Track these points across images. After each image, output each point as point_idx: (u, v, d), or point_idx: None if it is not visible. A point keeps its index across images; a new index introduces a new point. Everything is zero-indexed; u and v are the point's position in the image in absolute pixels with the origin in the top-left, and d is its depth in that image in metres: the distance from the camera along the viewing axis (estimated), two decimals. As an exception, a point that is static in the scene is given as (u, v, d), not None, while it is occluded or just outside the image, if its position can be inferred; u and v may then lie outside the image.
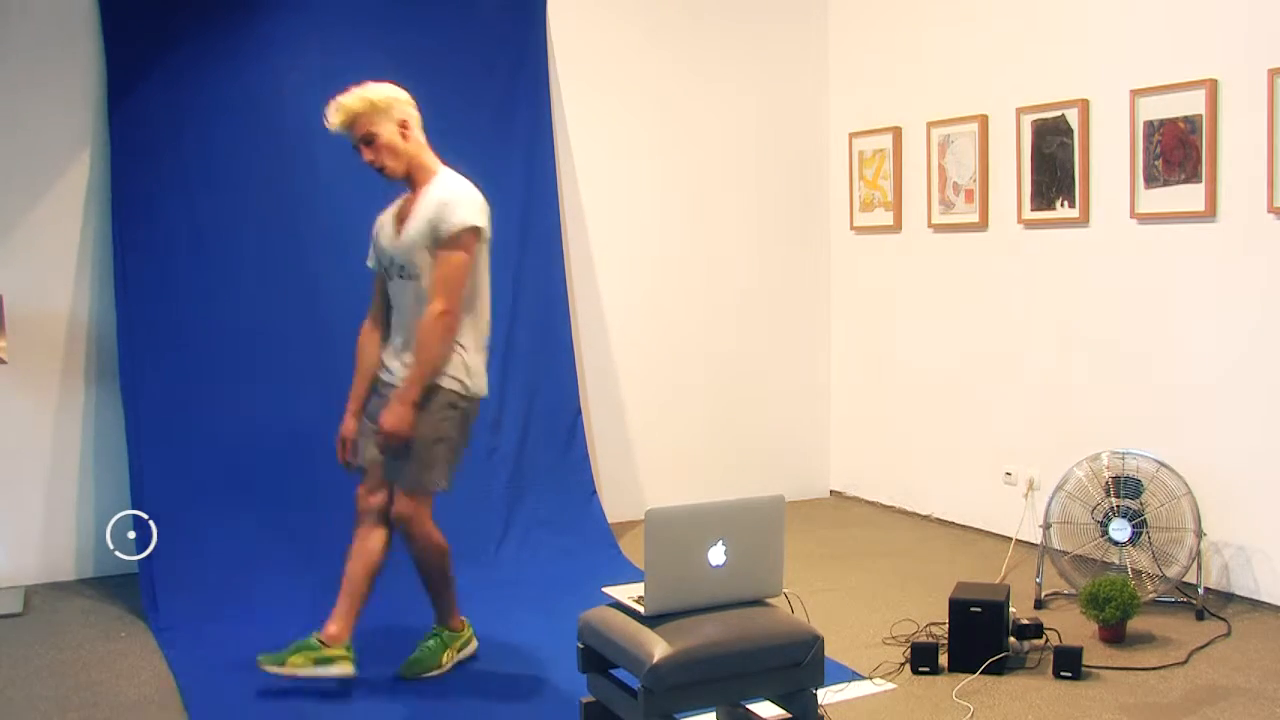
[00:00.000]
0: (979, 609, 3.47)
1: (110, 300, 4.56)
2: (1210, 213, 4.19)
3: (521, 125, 5.13)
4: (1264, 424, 4.08)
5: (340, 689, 3.41)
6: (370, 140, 3.40)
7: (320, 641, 3.39)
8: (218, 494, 4.41)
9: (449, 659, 3.59)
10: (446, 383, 3.40)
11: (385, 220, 3.56)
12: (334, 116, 3.40)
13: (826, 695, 3.26)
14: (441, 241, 3.34)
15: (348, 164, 4.78)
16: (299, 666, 3.35)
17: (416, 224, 3.39)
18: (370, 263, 3.63)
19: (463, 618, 3.69)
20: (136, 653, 3.79)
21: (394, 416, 3.33)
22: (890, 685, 3.42)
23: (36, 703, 3.36)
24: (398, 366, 3.48)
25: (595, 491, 5.13)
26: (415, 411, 3.35)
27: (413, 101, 3.51)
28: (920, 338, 5.52)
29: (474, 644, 3.72)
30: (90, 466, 4.63)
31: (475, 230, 3.37)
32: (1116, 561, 4.11)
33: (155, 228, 4.49)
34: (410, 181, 3.50)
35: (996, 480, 5.13)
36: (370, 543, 3.49)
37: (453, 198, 3.38)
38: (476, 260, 3.41)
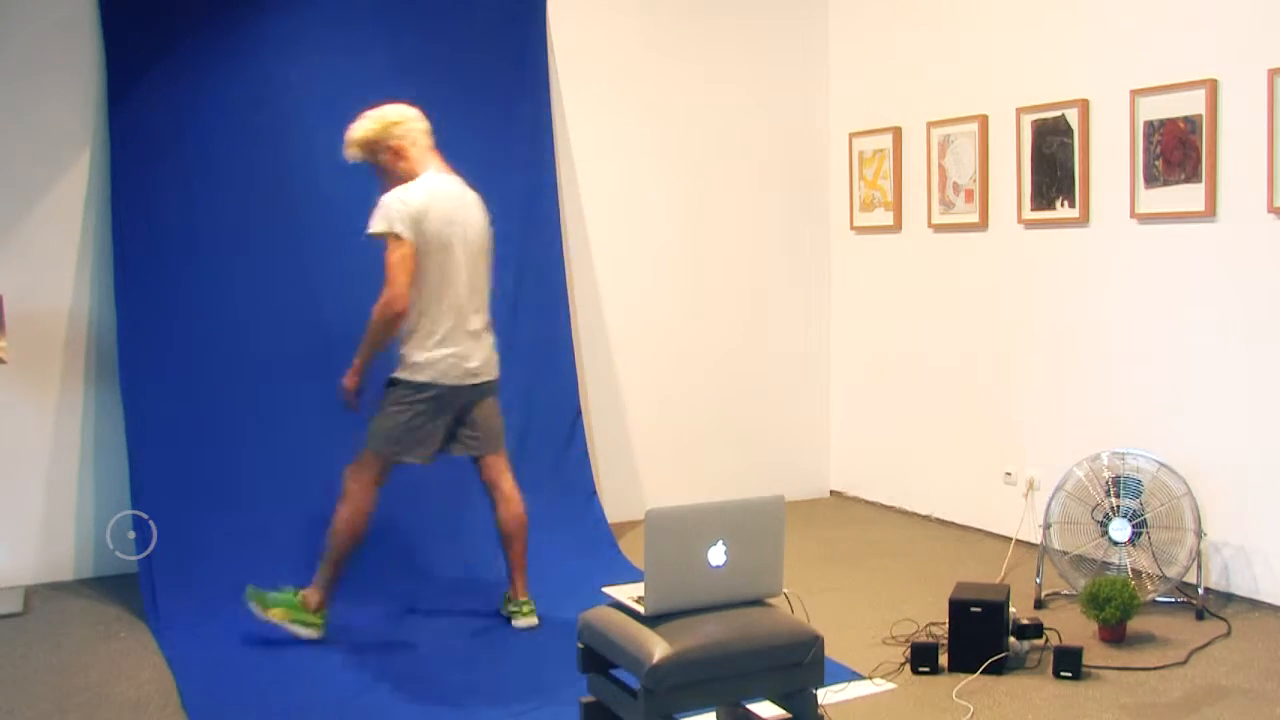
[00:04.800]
0: (979, 609, 3.47)
1: (110, 300, 4.55)
2: (1210, 213, 4.19)
3: (521, 125, 5.13)
4: (1264, 424, 4.08)
5: (341, 688, 3.42)
6: (375, 169, 3.91)
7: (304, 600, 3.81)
8: (218, 494, 4.41)
9: (280, 616, 3.80)
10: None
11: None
12: (349, 153, 3.91)
13: (826, 695, 3.27)
14: None
15: (347, 164, 4.81)
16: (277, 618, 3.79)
17: None
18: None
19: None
20: (136, 653, 3.79)
21: None
22: (890, 685, 3.42)
23: (36, 703, 3.36)
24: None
25: (595, 491, 5.12)
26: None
27: (411, 118, 3.88)
28: (920, 338, 5.52)
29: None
30: (90, 466, 4.63)
31: (383, 235, 3.74)
32: (1116, 561, 4.11)
33: (155, 227, 4.49)
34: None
35: (996, 480, 5.13)
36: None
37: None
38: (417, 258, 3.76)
